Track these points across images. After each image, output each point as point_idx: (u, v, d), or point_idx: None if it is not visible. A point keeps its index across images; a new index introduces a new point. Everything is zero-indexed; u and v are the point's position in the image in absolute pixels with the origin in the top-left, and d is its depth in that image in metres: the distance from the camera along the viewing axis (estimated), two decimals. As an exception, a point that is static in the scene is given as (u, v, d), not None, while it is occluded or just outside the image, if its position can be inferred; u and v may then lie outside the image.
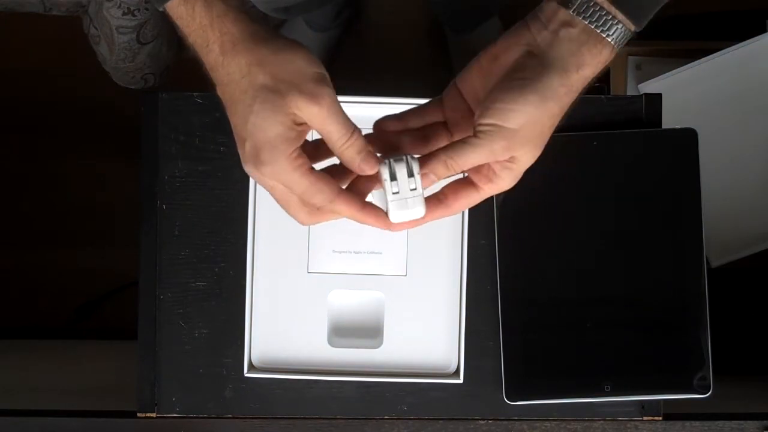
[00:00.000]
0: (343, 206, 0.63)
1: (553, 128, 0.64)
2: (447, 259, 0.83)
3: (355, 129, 0.62)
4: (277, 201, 0.65)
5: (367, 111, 0.84)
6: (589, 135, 0.83)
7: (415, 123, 0.69)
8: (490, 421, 0.84)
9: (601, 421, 0.84)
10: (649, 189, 0.83)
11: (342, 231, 0.83)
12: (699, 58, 1.23)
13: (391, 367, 0.83)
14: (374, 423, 0.84)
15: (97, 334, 1.49)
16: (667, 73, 1.23)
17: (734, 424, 0.84)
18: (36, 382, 1.14)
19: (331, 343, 0.83)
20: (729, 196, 1.23)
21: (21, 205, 1.56)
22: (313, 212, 0.64)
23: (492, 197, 0.82)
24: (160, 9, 0.61)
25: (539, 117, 0.62)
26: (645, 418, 0.84)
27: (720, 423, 0.84)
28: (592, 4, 0.61)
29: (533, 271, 0.83)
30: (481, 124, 0.62)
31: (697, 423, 0.84)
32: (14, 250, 1.53)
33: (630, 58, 1.30)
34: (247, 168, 0.62)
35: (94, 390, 1.05)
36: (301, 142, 0.62)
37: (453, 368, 0.83)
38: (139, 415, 0.84)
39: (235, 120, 0.62)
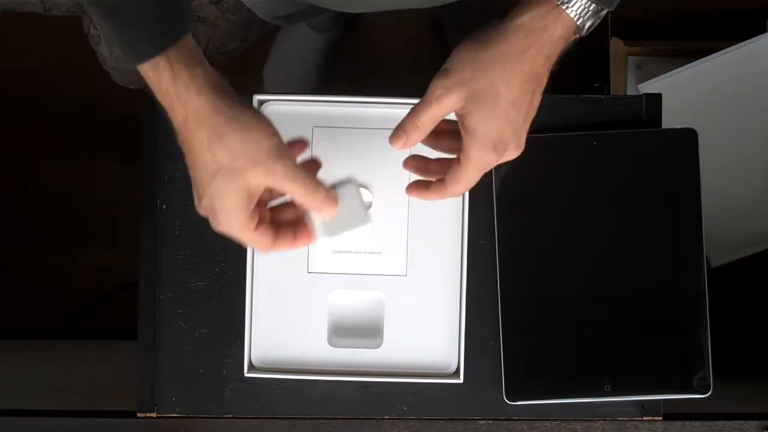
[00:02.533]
0: (280, 249, 0.69)
1: (507, 85, 0.66)
2: (447, 259, 0.83)
3: (318, 185, 0.67)
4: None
5: (367, 111, 0.84)
6: (589, 135, 0.83)
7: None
8: (490, 421, 0.84)
9: (601, 421, 0.84)
10: (649, 189, 0.83)
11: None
12: (699, 58, 1.23)
13: (391, 367, 0.83)
14: (374, 423, 0.84)
15: (97, 334, 1.49)
16: (667, 73, 1.23)
17: (734, 424, 0.84)
18: (36, 382, 1.14)
19: (331, 343, 0.83)
20: (729, 196, 1.23)
21: (21, 205, 1.56)
22: None
23: (492, 198, 0.82)
24: (132, 68, 0.64)
25: (472, 55, 0.67)
26: (645, 418, 0.84)
27: (720, 423, 0.84)
28: None
29: (533, 271, 0.83)
30: None
31: (697, 423, 0.84)
32: (14, 250, 1.53)
33: (630, 58, 1.30)
34: (201, 213, 0.68)
35: (94, 390, 1.05)
36: (254, 205, 0.66)
37: (453, 368, 0.83)
38: (139, 415, 0.84)
39: (194, 175, 0.66)
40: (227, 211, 0.65)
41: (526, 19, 0.66)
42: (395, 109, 0.83)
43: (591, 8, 0.65)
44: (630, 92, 1.29)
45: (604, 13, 0.67)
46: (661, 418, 0.84)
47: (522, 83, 0.66)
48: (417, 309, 0.83)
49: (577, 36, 0.68)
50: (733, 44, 1.23)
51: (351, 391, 0.84)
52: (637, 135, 0.83)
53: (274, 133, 0.66)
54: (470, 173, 0.69)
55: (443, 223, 0.83)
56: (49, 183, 1.56)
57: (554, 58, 0.67)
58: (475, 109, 0.67)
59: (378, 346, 0.83)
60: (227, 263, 0.84)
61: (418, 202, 0.82)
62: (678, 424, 0.84)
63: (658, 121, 0.84)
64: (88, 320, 1.51)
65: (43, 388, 1.08)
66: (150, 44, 0.62)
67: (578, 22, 0.66)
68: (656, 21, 1.44)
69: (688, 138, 0.83)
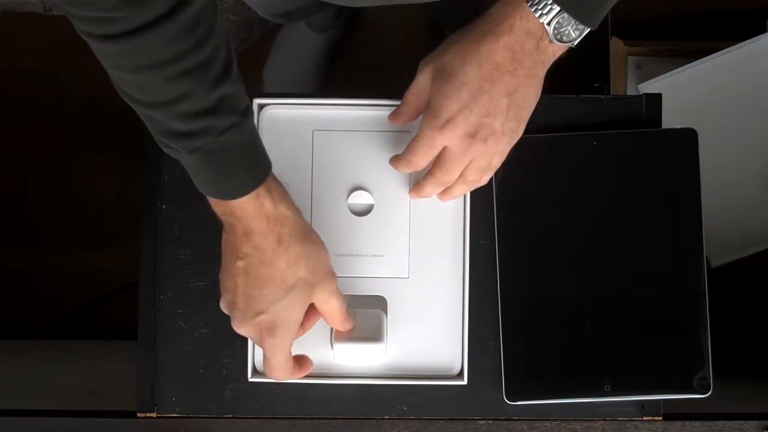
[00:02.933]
0: (294, 377, 0.77)
1: (462, 63, 0.70)
2: (449, 261, 0.83)
3: (345, 301, 0.76)
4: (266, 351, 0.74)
5: (367, 114, 0.84)
6: (589, 135, 0.83)
7: None
8: (490, 421, 0.84)
9: (601, 421, 0.84)
10: (649, 189, 0.83)
11: (344, 234, 0.83)
12: (699, 58, 1.23)
13: (395, 370, 0.83)
14: (374, 423, 0.84)
15: (97, 334, 1.49)
16: (667, 73, 1.23)
17: (734, 424, 0.84)
18: (36, 382, 1.14)
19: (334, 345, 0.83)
20: (729, 196, 1.23)
21: (21, 205, 1.56)
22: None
23: (492, 198, 0.82)
24: (227, 200, 0.68)
25: (450, 38, 0.72)
26: (645, 418, 0.84)
27: (720, 423, 0.84)
28: None
29: (533, 271, 0.83)
30: None
31: (697, 423, 0.84)
32: (15, 250, 1.53)
33: (630, 58, 1.30)
34: (248, 331, 0.72)
35: (94, 390, 1.05)
36: None
37: (456, 370, 0.83)
38: (139, 415, 0.84)
39: (259, 292, 0.70)
40: (290, 322, 0.72)
41: (495, 7, 0.69)
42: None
43: (555, 9, 0.66)
44: (630, 92, 1.29)
45: (580, 24, 0.68)
46: (661, 418, 0.84)
47: (477, 66, 0.69)
48: (420, 311, 0.83)
49: (551, 41, 0.68)
50: (733, 44, 1.23)
51: (351, 391, 0.84)
52: (637, 135, 0.83)
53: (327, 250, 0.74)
54: (418, 144, 0.73)
55: (444, 224, 0.83)
56: (49, 183, 1.56)
57: (519, 55, 0.68)
58: (434, 81, 0.72)
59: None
60: (227, 263, 0.84)
61: (419, 204, 0.82)
62: (678, 424, 0.84)
63: (658, 121, 0.84)
64: (88, 320, 1.51)
65: (43, 388, 1.08)
66: (251, 178, 0.67)
67: (542, 21, 0.67)
68: (656, 21, 1.44)
69: (688, 138, 0.83)
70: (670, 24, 1.45)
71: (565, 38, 0.68)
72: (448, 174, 0.74)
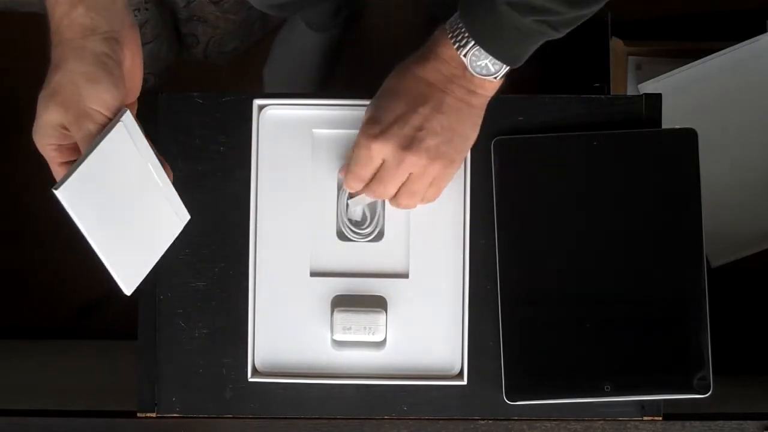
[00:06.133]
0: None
1: (390, 74, 0.76)
2: (449, 261, 0.83)
3: None
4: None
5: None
6: (589, 135, 0.83)
7: None
8: (490, 421, 0.84)
9: (601, 421, 0.84)
10: (649, 189, 0.83)
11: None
12: (699, 58, 1.23)
13: (395, 370, 0.83)
14: (374, 423, 0.84)
15: (97, 334, 1.49)
16: (667, 73, 1.23)
17: (734, 424, 0.84)
18: (36, 382, 1.14)
19: (334, 346, 0.83)
20: (729, 196, 1.23)
21: (21, 205, 1.56)
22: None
23: (492, 198, 0.82)
24: None
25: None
26: (645, 418, 0.84)
27: (720, 423, 0.84)
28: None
29: (533, 271, 0.83)
30: None
31: (697, 423, 0.84)
32: (14, 250, 1.53)
33: (630, 58, 1.30)
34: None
35: (94, 390, 1.05)
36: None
37: (456, 370, 0.83)
38: (139, 415, 0.84)
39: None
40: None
41: (432, 35, 0.73)
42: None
43: (470, 43, 0.69)
44: (630, 92, 1.28)
45: (496, 64, 0.70)
46: (661, 418, 0.84)
47: (413, 82, 0.72)
48: (420, 311, 0.83)
49: (472, 74, 0.70)
50: (733, 44, 1.23)
51: (351, 391, 0.84)
52: (637, 135, 0.83)
53: None
54: (357, 154, 0.74)
55: (444, 224, 0.83)
56: (49, 183, 1.55)
57: (450, 77, 0.71)
58: (375, 99, 0.76)
59: (381, 349, 0.83)
60: (227, 263, 0.84)
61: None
62: (678, 424, 0.84)
63: (658, 121, 0.84)
64: (88, 320, 1.51)
65: (43, 388, 1.08)
66: None
67: (459, 53, 0.69)
68: (656, 21, 1.44)
69: (688, 138, 0.83)
70: (670, 24, 1.44)
71: (484, 72, 0.70)
72: (382, 186, 0.75)
